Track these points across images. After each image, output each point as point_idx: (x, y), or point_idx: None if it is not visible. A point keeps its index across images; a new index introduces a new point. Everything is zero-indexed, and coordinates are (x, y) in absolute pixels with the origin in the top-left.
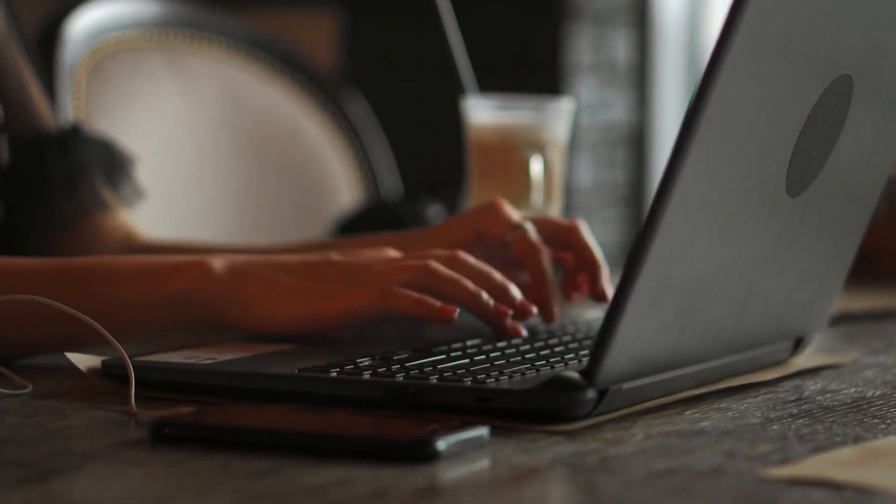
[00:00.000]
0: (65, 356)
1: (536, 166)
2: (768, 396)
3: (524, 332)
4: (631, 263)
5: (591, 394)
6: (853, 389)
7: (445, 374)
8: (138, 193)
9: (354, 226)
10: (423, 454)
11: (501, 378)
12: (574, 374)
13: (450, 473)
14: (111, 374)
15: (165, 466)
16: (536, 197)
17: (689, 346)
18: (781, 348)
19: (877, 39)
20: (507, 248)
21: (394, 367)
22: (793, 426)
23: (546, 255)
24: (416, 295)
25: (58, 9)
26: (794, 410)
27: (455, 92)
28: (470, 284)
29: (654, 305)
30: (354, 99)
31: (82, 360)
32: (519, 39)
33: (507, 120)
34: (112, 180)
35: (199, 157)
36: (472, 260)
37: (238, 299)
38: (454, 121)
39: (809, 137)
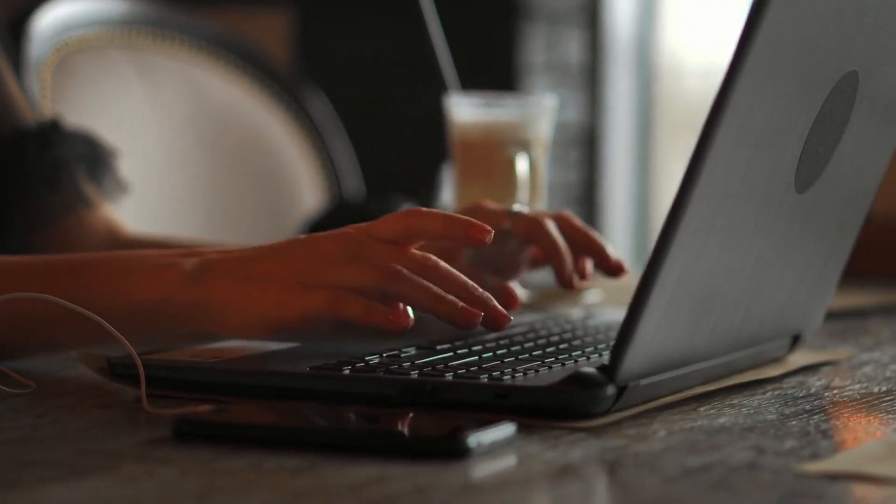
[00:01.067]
0: (71, 354)
1: (522, 164)
2: (777, 393)
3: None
4: (652, 262)
5: (610, 390)
6: (857, 385)
7: (460, 372)
8: (121, 187)
9: (324, 225)
10: (456, 451)
11: (517, 375)
12: (594, 371)
13: (484, 470)
14: (118, 372)
15: (197, 464)
16: (522, 195)
17: (700, 343)
18: (780, 345)
19: (882, 36)
20: (508, 236)
21: (405, 365)
22: (811, 422)
23: (551, 225)
24: (365, 302)
25: (23, 5)
26: (807, 406)
27: (412, 89)
28: (433, 288)
29: (672, 303)
30: (316, 97)
31: (88, 359)
32: (473, 39)
33: (491, 117)
34: (94, 174)
35: (165, 155)
36: (442, 265)
37: (206, 306)
38: (409, 118)
39: (818, 134)
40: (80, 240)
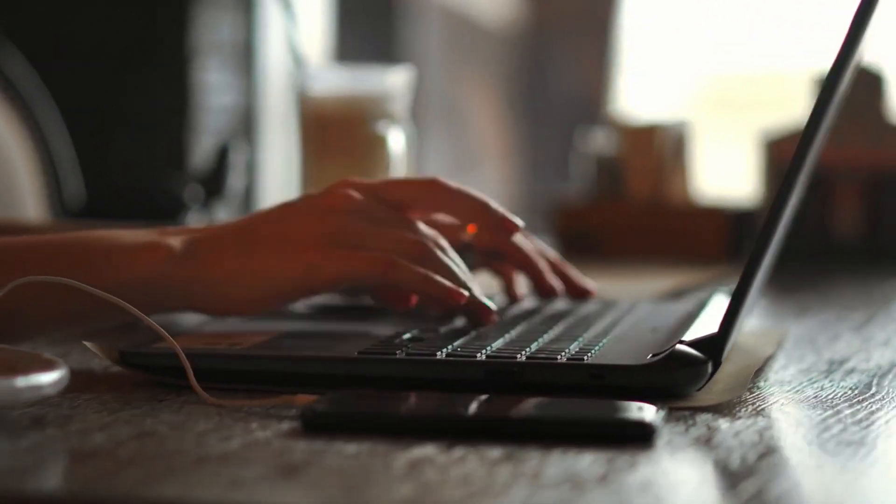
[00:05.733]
0: (84, 345)
1: (397, 140)
2: (781, 375)
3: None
4: (753, 256)
5: (710, 369)
6: (834, 382)
7: (533, 352)
8: None
9: (102, 209)
10: (647, 436)
11: (589, 355)
12: (692, 350)
13: (683, 454)
14: (130, 362)
15: (387, 458)
16: (395, 174)
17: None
18: None
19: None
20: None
21: (454, 346)
22: (844, 400)
23: (518, 236)
24: (422, 270)
25: None
26: (838, 387)
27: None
28: (462, 274)
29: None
30: (31, 83)
31: (100, 349)
32: (141, 21)
33: (353, 91)
34: None
35: None
36: (439, 255)
37: (203, 282)
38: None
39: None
40: None
